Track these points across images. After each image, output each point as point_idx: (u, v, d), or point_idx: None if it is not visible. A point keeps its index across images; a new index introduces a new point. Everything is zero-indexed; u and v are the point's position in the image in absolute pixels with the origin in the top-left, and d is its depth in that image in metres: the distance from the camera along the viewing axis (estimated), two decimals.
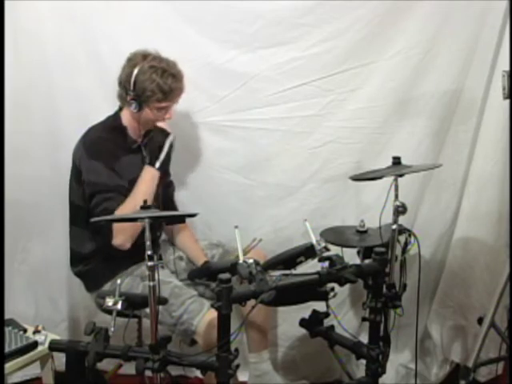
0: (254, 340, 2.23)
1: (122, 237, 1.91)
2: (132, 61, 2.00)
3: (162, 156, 2.02)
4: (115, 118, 2.10)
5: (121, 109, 2.10)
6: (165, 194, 2.24)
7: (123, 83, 2.01)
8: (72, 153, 2.05)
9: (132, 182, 1.99)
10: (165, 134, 2.06)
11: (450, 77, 2.29)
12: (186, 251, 2.24)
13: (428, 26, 2.24)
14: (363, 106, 2.33)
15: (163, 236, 2.31)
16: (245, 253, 2.07)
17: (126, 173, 2.00)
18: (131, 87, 1.97)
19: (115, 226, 1.91)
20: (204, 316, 1.87)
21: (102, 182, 1.94)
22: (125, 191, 1.96)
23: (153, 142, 2.05)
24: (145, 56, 1.99)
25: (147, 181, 1.99)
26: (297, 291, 1.69)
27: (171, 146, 2.05)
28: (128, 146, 2.08)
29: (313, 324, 1.94)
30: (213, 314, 1.79)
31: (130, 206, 1.90)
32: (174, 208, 2.28)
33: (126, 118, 2.08)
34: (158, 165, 2.01)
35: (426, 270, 2.34)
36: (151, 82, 1.96)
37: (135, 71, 1.96)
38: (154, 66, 1.97)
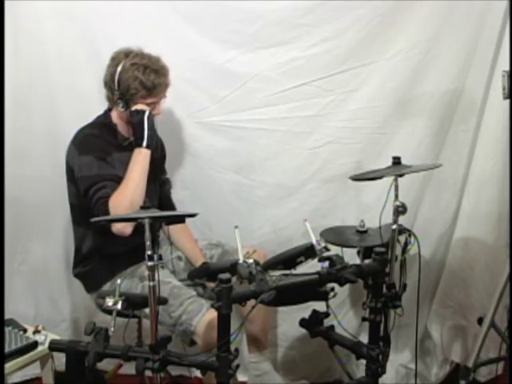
0: (253, 340, 2.23)
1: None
2: (115, 60, 1.99)
3: (145, 133, 1.96)
4: (105, 116, 2.10)
5: (110, 109, 2.09)
6: (161, 191, 2.23)
7: (108, 83, 2.00)
8: (65, 154, 2.03)
9: None
10: (141, 112, 1.98)
11: (450, 77, 2.29)
12: (184, 252, 2.24)
13: (428, 26, 2.24)
14: (363, 106, 2.32)
15: (161, 235, 2.30)
16: None
17: (118, 169, 1.96)
18: (116, 86, 1.97)
19: (112, 212, 1.86)
20: (203, 317, 1.86)
21: (94, 173, 1.92)
22: (118, 180, 1.91)
23: (133, 125, 2.00)
24: (127, 54, 1.99)
25: (139, 161, 1.94)
26: (297, 291, 1.69)
27: (150, 120, 1.97)
28: (119, 142, 2.06)
29: (313, 324, 1.94)
30: (212, 315, 1.80)
31: (127, 188, 1.88)
32: (172, 206, 2.27)
33: (116, 116, 2.08)
34: (144, 143, 1.95)
35: (426, 270, 2.34)
36: (134, 79, 1.95)
37: (118, 70, 1.96)
38: (135, 64, 1.96)
